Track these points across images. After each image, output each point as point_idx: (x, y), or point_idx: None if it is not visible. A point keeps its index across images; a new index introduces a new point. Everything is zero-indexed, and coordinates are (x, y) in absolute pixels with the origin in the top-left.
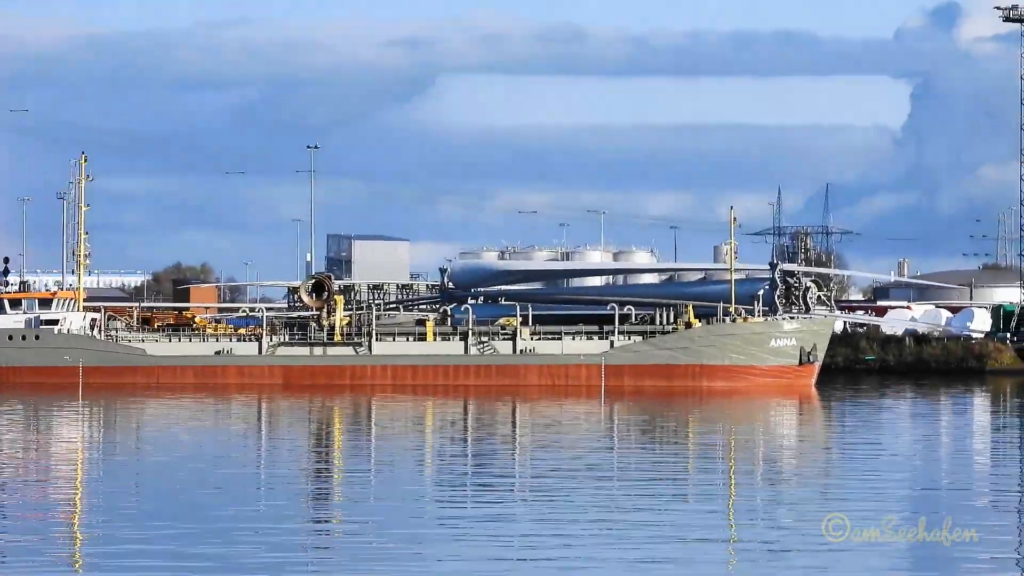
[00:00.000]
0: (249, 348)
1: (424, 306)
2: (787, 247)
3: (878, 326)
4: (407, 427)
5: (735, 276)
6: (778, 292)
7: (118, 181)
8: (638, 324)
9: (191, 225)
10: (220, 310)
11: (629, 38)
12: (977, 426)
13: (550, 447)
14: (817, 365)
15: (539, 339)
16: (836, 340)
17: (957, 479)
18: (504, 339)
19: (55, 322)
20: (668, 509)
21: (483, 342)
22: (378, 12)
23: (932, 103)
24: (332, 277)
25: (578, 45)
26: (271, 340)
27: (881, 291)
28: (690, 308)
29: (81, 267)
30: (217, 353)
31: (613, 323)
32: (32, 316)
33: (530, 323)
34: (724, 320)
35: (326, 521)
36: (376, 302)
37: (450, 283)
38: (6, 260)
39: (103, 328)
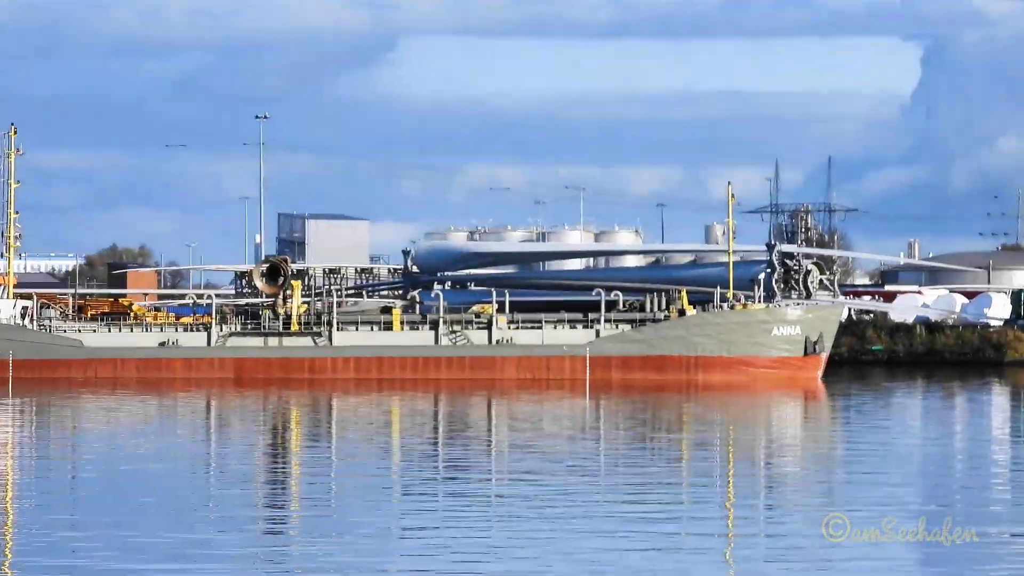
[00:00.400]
0: (197, 339)
1: (385, 292)
2: (786, 227)
3: (886, 313)
4: (372, 426)
5: (726, 259)
6: (776, 276)
7: (46, 155)
8: (626, 311)
9: (128, 203)
10: (162, 297)
11: None
12: (995, 424)
13: (529, 448)
14: (824, 356)
15: (517, 328)
16: (840, 328)
17: (971, 483)
18: (479, 328)
19: None
20: (660, 515)
21: (455, 332)
22: None
23: (945, 67)
24: (288, 260)
25: (555, 5)
26: (221, 330)
27: (889, 275)
28: (683, 294)
29: (11, 250)
30: (161, 344)
31: (599, 310)
32: None
33: (507, 311)
34: (721, 307)
35: (280, 533)
36: (333, 287)
37: (414, 267)
38: None
39: (35, 317)
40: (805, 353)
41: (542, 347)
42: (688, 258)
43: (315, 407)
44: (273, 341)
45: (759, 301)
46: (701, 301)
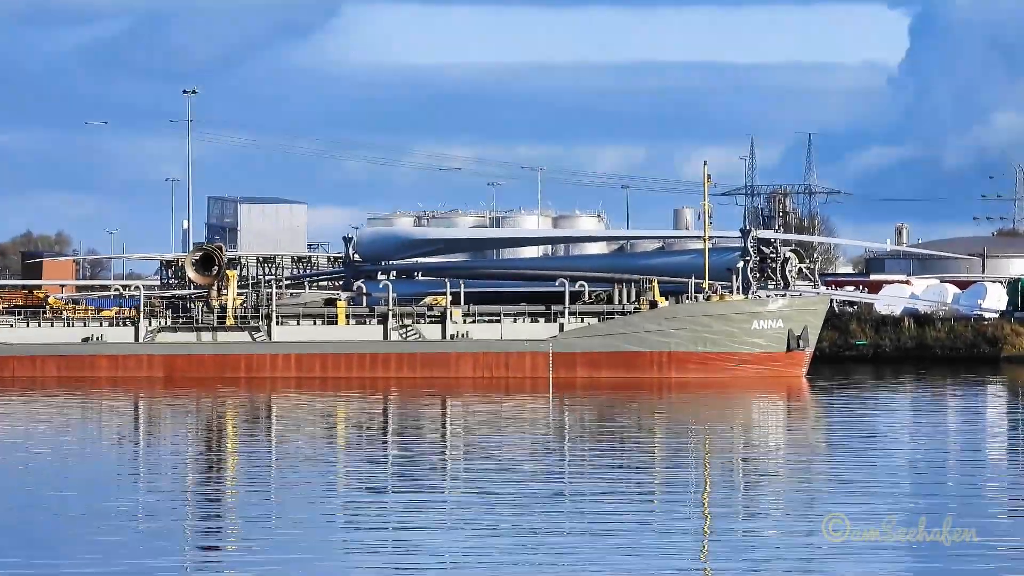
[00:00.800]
0: (124, 334)
1: (325, 283)
2: (762, 210)
3: (871, 304)
4: (315, 429)
5: (697, 246)
6: (751, 264)
7: None
8: (592, 303)
9: (43, 187)
10: (81, 288)
11: None
12: (991, 424)
13: (487, 454)
14: (809, 352)
15: (474, 322)
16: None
17: (968, 484)
18: (431, 322)
19: None
20: (629, 528)
21: (406, 326)
22: None
23: (935, 36)
24: (223, 248)
25: None
26: (150, 325)
27: (875, 263)
28: (655, 284)
29: None
30: (85, 340)
31: (562, 302)
32: None
33: (462, 303)
34: (696, 298)
35: (215, 548)
36: (268, 277)
37: (356, 255)
38: None
39: None
40: (788, 348)
41: (501, 343)
42: (656, 245)
43: (253, 408)
44: (207, 336)
45: (737, 292)
46: (674, 292)
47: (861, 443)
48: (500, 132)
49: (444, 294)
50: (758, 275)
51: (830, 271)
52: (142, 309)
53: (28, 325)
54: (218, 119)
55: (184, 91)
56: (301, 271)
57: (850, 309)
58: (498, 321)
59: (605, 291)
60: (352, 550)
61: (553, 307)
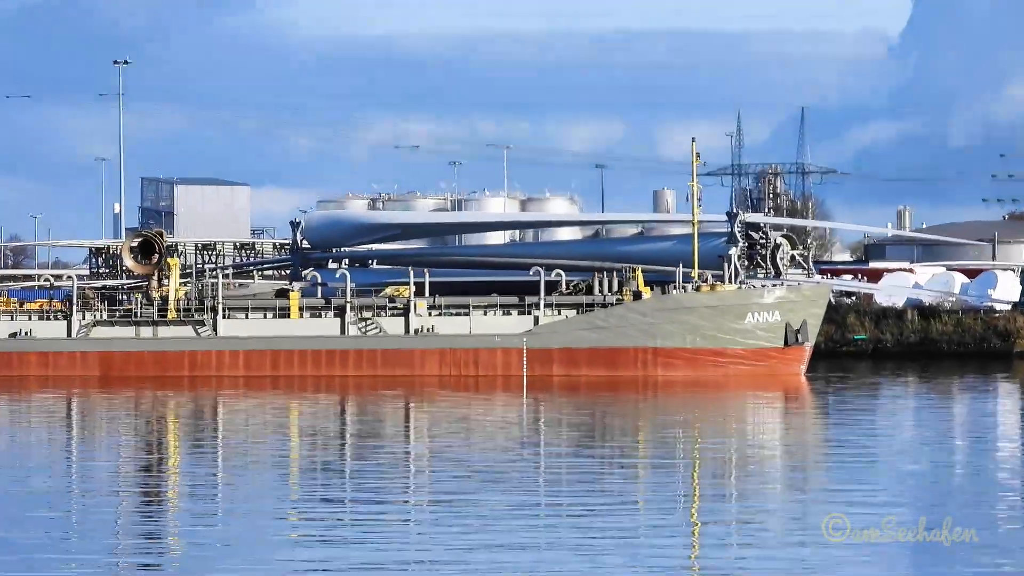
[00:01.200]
0: (55, 329)
1: (270, 272)
2: (750, 192)
3: (871, 295)
4: (265, 433)
5: (680, 231)
6: (739, 250)
7: None
8: (570, 294)
9: None
10: (1, 278)
11: None
12: (1004, 426)
13: (454, 461)
14: (809, 347)
15: (440, 315)
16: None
17: (972, 498)
18: (394, 315)
19: None
20: (612, 540)
21: (366, 320)
22: None
23: (939, 1)
24: (164, 234)
25: None
26: (83, 318)
27: (875, 249)
28: (639, 273)
29: None
30: (12, 335)
31: (537, 293)
32: None
33: (427, 293)
34: (684, 288)
35: (155, 568)
36: (209, 265)
37: (304, 241)
38: None
39: None
40: (786, 343)
41: (470, 338)
42: (634, 230)
43: (197, 410)
44: (146, 331)
45: (729, 282)
46: (660, 282)
47: (865, 451)
48: (462, 107)
49: (407, 284)
50: (746, 263)
51: (825, 258)
52: (75, 301)
53: None
54: (152, 93)
55: (115, 62)
56: (244, 259)
57: (848, 300)
58: (467, 314)
59: (584, 281)
60: (305, 571)
61: (527, 298)
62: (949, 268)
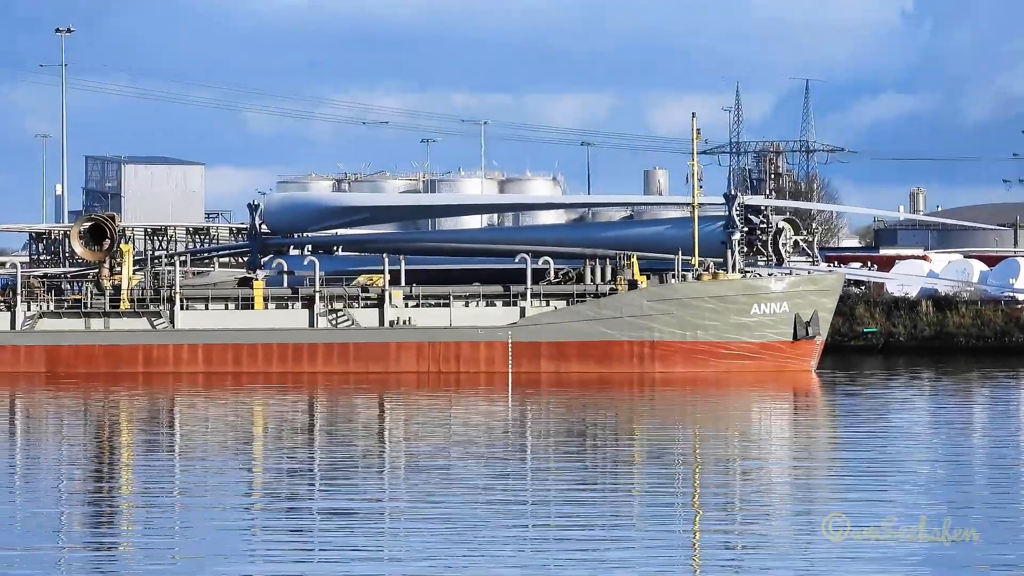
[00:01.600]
0: None
1: (226, 259)
2: (750, 172)
3: (882, 285)
4: (226, 435)
5: (672, 214)
6: (738, 236)
7: None
8: (559, 283)
9: None
10: None
11: None
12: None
13: (433, 466)
14: (820, 341)
15: (417, 306)
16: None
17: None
18: (367, 306)
19: None
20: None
21: (336, 311)
22: None
23: None
24: (116, 218)
25: None
26: (28, 309)
27: (886, 234)
28: (634, 260)
29: None
30: None
31: (524, 282)
32: None
33: (403, 282)
34: (684, 277)
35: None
36: (158, 252)
37: (263, 225)
38: None
39: None
40: (795, 337)
41: (450, 331)
42: (623, 213)
43: (152, 410)
44: (97, 323)
45: (732, 269)
46: (657, 270)
47: (885, 457)
48: (435, 79)
49: (381, 272)
50: (745, 249)
51: (832, 245)
52: (19, 291)
53: None
54: (98, 65)
55: (57, 30)
56: (197, 245)
57: (856, 290)
58: (447, 305)
59: (575, 269)
60: None
61: (513, 288)
62: (967, 255)
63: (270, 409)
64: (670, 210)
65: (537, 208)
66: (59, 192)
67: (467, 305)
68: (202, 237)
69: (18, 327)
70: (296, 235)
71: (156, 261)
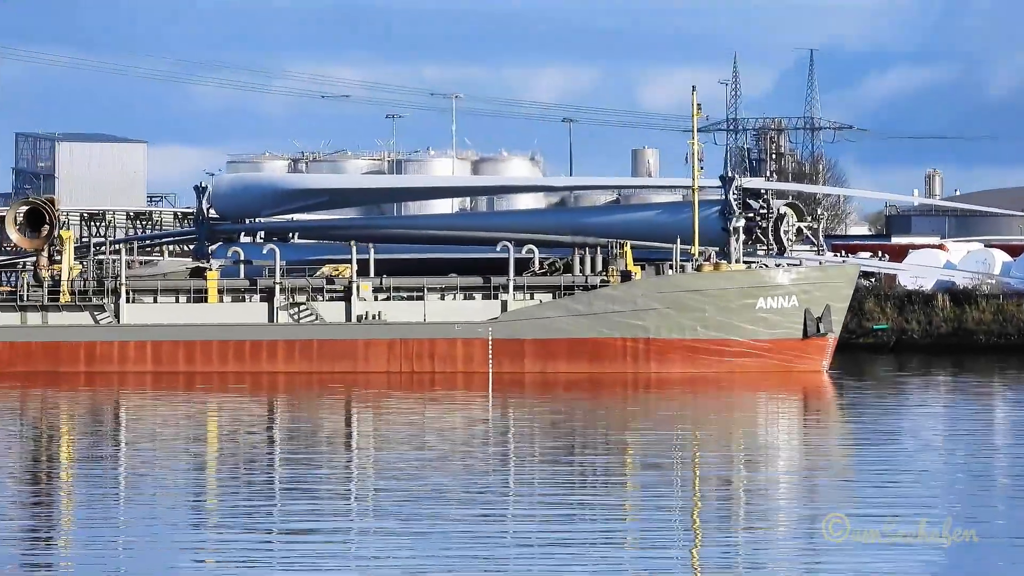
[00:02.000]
0: None
1: (171, 247)
2: (749, 151)
3: (894, 276)
4: (177, 442)
5: (662, 199)
6: (735, 222)
7: None
8: (545, 274)
9: None
10: None
11: None
12: None
13: (406, 476)
14: (832, 339)
15: (388, 299)
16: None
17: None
18: (332, 299)
19: None
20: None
21: (299, 305)
22: None
23: None
24: (55, 201)
25: None
26: None
27: (899, 221)
28: (627, 249)
29: None
30: None
31: (505, 273)
32: None
33: (372, 273)
34: (683, 268)
35: None
36: (97, 239)
37: (212, 210)
38: None
39: None
40: (805, 334)
41: (424, 326)
42: (608, 197)
43: (95, 413)
44: (35, 318)
45: (735, 259)
46: (652, 260)
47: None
48: (402, 48)
49: (348, 262)
50: (743, 237)
51: (839, 232)
52: None
53: None
54: (29, 33)
55: None
56: (139, 231)
57: (866, 283)
58: (421, 298)
59: (562, 259)
60: None
61: (493, 279)
62: (987, 244)
63: (225, 414)
64: (660, 194)
65: (514, 191)
66: None
67: (443, 298)
68: (144, 223)
69: None
70: (248, 221)
71: (99, 249)
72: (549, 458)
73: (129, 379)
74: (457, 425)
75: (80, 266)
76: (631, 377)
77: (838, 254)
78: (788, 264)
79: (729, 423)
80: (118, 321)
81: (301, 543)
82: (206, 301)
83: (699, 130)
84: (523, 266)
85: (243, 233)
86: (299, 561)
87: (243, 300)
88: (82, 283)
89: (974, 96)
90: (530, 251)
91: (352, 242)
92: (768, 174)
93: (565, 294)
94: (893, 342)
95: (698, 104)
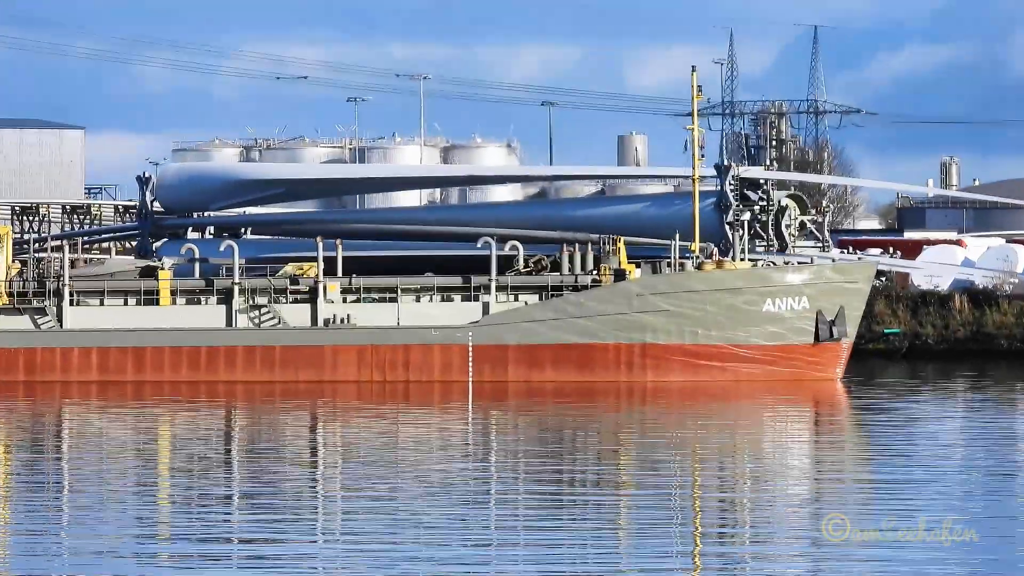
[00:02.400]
0: None
1: (108, 243)
2: (746, 137)
3: (907, 275)
4: (125, 457)
5: (650, 190)
6: (731, 215)
7: None
8: (531, 273)
9: None
10: None
11: None
12: None
13: (376, 501)
14: (847, 343)
15: (358, 301)
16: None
17: None
18: (297, 301)
19: None
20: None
21: (260, 307)
22: None
23: None
24: None
25: None
26: None
27: (911, 214)
28: (621, 245)
29: None
30: None
31: (487, 272)
32: None
33: (340, 272)
34: (682, 266)
35: None
36: (65, 239)
37: (156, 202)
38: None
39: None
40: (818, 338)
41: (399, 331)
42: (592, 188)
43: (35, 426)
44: None
45: (738, 256)
46: (648, 257)
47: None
48: (365, 25)
49: (313, 260)
50: (741, 230)
51: (846, 226)
52: None
53: None
54: None
55: None
56: (77, 226)
57: (876, 282)
58: (394, 300)
59: (549, 256)
60: None
61: (474, 279)
62: (1009, 239)
63: (178, 428)
64: (649, 184)
65: (489, 182)
66: None
67: (418, 300)
68: (81, 217)
69: None
70: (196, 215)
71: (40, 246)
72: (533, 475)
73: (73, 389)
74: (433, 440)
75: (18, 266)
76: (625, 387)
77: (845, 250)
78: (798, 262)
79: (732, 440)
80: (61, 326)
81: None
82: (157, 303)
83: (689, 114)
84: (506, 264)
85: (191, 228)
86: None
87: (198, 302)
88: (21, 284)
89: (994, 77)
90: (514, 248)
91: (319, 238)
92: (768, 163)
93: (553, 295)
94: (905, 348)
95: (699, 86)
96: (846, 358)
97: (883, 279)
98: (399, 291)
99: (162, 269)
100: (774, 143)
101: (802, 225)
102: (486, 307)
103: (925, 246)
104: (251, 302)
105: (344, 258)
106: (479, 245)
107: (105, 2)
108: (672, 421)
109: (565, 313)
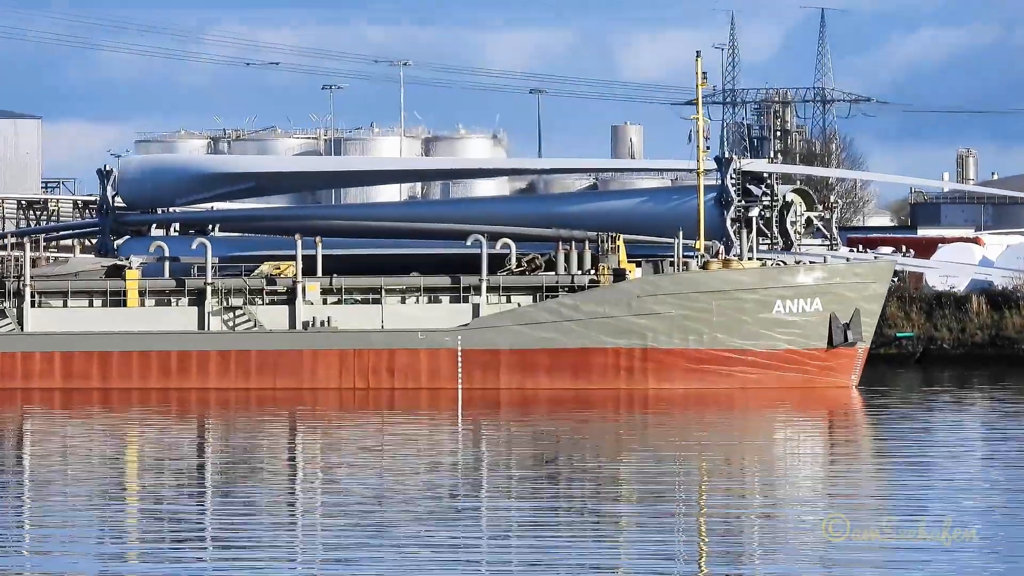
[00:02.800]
0: None
1: (67, 240)
2: (749, 128)
3: (921, 275)
4: (92, 469)
5: (647, 184)
6: (733, 211)
7: None
8: (523, 272)
9: None
10: None
11: None
12: None
13: (357, 519)
14: (863, 348)
15: (339, 302)
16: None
17: None
18: (274, 302)
19: None
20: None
21: (234, 309)
22: None
23: None
24: None
25: None
26: None
27: (926, 210)
28: (620, 243)
29: None
30: None
31: (477, 272)
32: None
33: (320, 271)
34: (686, 266)
35: None
36: (26, 237)
37: (118, 197)
38: None
39: None
40: (831, 343)
41: (382, 335)
42: (584, 182)
43: None
44: None
45: (746, 255)
46: (649, 256)
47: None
48: (340, 7)
49: (291, 259)
50: (744, 228)
51: (856, 223)
52: None
53: None
54: None
55: None
56: (33, 223)
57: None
58: (377, 301)
59: (543, 254)
60: None
61: (463, 279)
62: None
63: (146, 439)
64: (645, 178)
65: (474, 175)
66: None
67: (403, 301)
68: (38, 213)
69: None
70: (160, 210)
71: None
72: (526, 490)
73: (34, 397)
74: (420, 452)
75: None
76: (624, 394)
77: (855, 249)
78: (810, 261)
79: (738, 452)
80: (21, 329)
81: None
82: (125, 305)
83: (689, 103)
84: (497, 263)
85: (155, 225)
86: None
87: (168, 304)
88: None
89: (1014, 63)
90: (506, 246)
91: (297, 236)
92: (772, 155)
93: (548, 296)
94: (920, 352)
95: (704, 73)
96: (862, 364)
97: (896, 279)
98: (383, 292)
99: (130, 268)
100: (778, 134)
101: (809, 222)
102: (476, 309)
103: (940, 244)
104: (225, 304)
105: (324, 257)
106: (469, 243)
107: None
108: (675, 432)
109: (561, 316)
